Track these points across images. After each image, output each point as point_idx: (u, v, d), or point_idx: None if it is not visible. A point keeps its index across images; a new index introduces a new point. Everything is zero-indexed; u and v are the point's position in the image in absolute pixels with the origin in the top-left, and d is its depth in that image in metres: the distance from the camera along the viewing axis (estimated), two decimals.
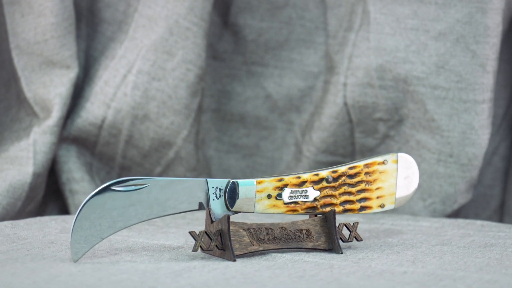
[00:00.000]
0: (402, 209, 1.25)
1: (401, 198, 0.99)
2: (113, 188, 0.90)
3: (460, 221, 1.16)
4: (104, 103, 1.26)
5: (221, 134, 1.36)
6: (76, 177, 1.26)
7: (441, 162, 1.24)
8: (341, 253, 0.94)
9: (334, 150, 1.29)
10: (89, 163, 1.29)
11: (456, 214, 1.28)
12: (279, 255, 0.93)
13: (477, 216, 1.31)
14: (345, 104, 1.27)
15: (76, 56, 1.25)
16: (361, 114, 1.27)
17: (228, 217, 0.91)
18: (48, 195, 1.28)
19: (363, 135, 1.28)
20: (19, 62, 1.24)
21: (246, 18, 1.33)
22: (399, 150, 1.28)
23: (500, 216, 1.32)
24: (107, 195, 0.90)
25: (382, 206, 0.98)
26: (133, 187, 0.91)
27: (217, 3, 1.31)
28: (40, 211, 1.27)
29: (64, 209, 1.28)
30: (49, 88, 1.24)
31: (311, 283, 0.81)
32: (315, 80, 1.33)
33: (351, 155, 1.30)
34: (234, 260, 0.90)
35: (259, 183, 0.94)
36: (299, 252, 0.94)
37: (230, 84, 1.35)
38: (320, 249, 0.95)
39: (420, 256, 0.92)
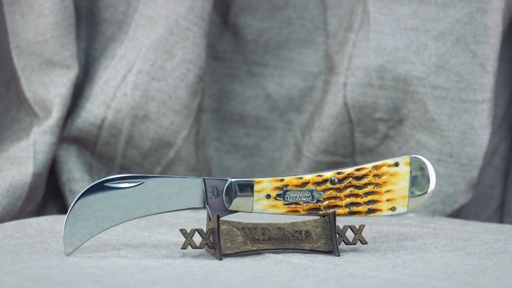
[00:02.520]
0: None
1: (414, 201, 0.96)
2: (107, 184, 0.91)
3: (507, 227, 1.13)
4: (104, 103, 1.26)
5: (221, 134, 1.36)
6: (76, 177, 1.26)
7: (441, 162, 1.24)
8: (338, 255, 0.94)
9: (334, 150, 1.29)
10: (89, 163, 1.29)
11: (456, 214, 1.28)
12: (272, 255, 0.92)
13: (477, 216, 1.31)
14: (345, 104, 1.27)
15: (76, 56, 1.25)
16: (361, 114, 1.27)
17: (218, 216, 0.91)
18: (48, 195, 1.28)
19: (363, 135, 1.28)
20: (19, 62, 1.24)
21: (246, 18, 1.33)
22: (399, 150, 1.28)
23: (500, 216, 1.32)
24: (101, 191, 0.91)
25: (393, 209, 0.96)
26: (128, 184, 0.91)
27: (217, 3, 1.31)
28: (40, 211, 1.27)
29: (64, 209, 1.28)
30: (49, 88, 1.24)
31: (259, 284, 0.81)
32: (315, 80, 1.33)
33: (351, 155, 1.30)
34: (221, 259, 0.91)
35: (258, 183, 0.94)
36: (294, 253, 0.93)
37: (230, 84, 1.35)
38: (319, 251, 0.94)
39: (411, 262, 0.91)
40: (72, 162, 1.27)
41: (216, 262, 0.90)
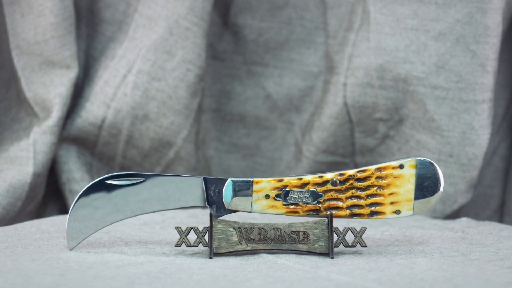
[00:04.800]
0: None
1: (420, 204, 0.95)
2: (108, 182, 0.93)
3: None
4: (104, 103, 1.26)
5: (221, 134, 1.36)
6: (76, 177, 1.26)
7: (441, 162, 1.24)
8: (332, 257, 0.93)
9: (334, 150, 1.29)
10: (89, 163, 1.29)
11: (456, 214, 1.28)
12: (265, 255, 0.92)
13: (477, 216, 1.31)
14: (345, 104, 1.27)
15: (76, 56, 1.25)
16: (361, 114, 1.27)
17: (211, 215, 0.92)
18: (48, 195, 1.28)
19: (363, 135, 1.28)
20: (19, 62, 1.24)
21: (246, 18, 1.33)
22: (399, 150, 1.28)
23: (500, 216, 1.32)
24: (102, 188, 0.93)
25: (397, 212, 0.94)
26: (128, 182, 0.93)
27: (217, 3, 1.31)
28: (40, 211, 1.27)
29: (64, 209, 1.28)
30: (49, 88, 1.24)
31: (213, 283, 0.82)
32: (315, 80, 1.33)
33: (351, 155, 1.30)
34: (210, 258, 0.92)
35: (257, 183, 0.94)
36: (287, 255, 0.93)
37: (230, 84, 1.35)
38: (315, 253, 0.94)
39: (393, 266, 0.89)
40: (72, 162, 1.27)
41: (199, 260, 0.91)
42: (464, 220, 1.20)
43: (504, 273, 0.87)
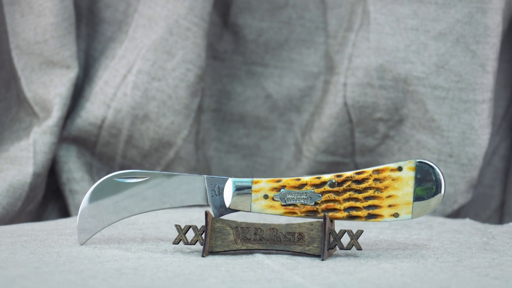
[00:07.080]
0: None
1: (420, 208, 0.92)
2: (116, 179, 0.95)
3: None
4: (104, 103, 1.26)
5: (221, 134, 1.36)
6: (76, 177, 1.26)
7: (441, 162, 1.24)
8: (323, 259, 0.91)
9: (334, 150, 1.29)
10: (89, 163, 1.29)
11: (456, 214, 1.28)
12: (258, 255, 0.92)
13: (477, 216, 1.31)
14: (345, 104, 1.27)
15: (76, 56, 1.25)
16: (361, 114, 1.27)
17: (207, 213, 0.93)
18: (48, 195, 1.28)
19: (363, 135, 1.28)
20: (19, 62, 1.24)
21: (246, 18, 1.33)
22: (399, 150, 1.28)
23: (500, 216, 1.32)
24: (110, 185, 0.95)
25: (396, 215, 0.93)
26: (134, 180, 0.95)
27: (217, 3, 1.31)
28: (40, 211, 1.27)
29: (64, 209, 1.28)
30: (49, 88, 1.24)
31: (171, 281, 0.82)
32: (315, 80, 1.33)
33: (351, 155, 1.30)
34: (203, 256, 0.92)
35: (256, 183, 0.94)
36: (279, 255, 0.93)
37: (230, 84, 1.35)
38: (309, 254, 0.93)
39: (369, 270, 0.87)
40: (72, 162, 1.27)
41: (187, 259, 0.91)
42: (509, 225, 1.15)
43: (471, 281, 0.84)
